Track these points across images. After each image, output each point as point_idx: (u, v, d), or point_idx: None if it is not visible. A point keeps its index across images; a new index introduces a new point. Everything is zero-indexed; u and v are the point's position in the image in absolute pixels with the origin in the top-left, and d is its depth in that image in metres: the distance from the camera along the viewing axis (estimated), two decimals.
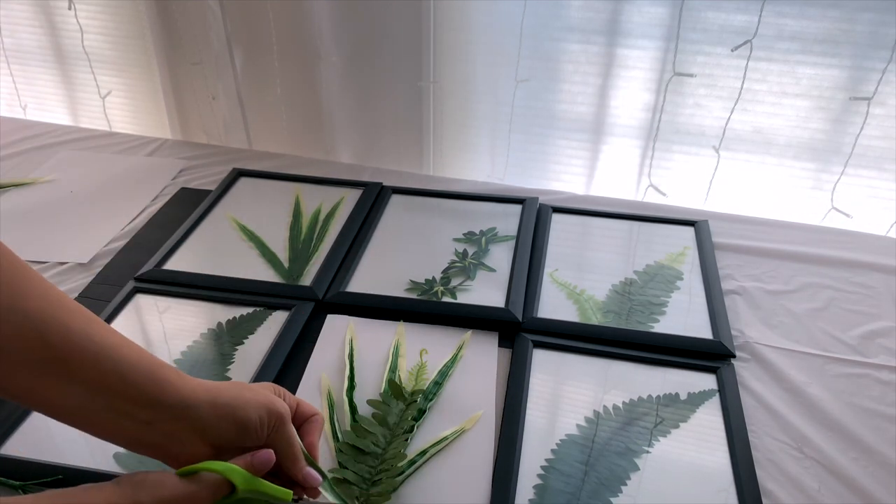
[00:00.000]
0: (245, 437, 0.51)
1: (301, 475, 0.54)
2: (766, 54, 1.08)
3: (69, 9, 1.37)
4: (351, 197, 1.06)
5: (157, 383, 0.49)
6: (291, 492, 0.52)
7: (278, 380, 0.76)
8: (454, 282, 0.89)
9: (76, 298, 0.87)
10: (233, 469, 0.49)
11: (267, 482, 0.51)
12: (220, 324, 0.83)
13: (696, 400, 0.74)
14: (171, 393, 0.49)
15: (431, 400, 0.73)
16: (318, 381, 0.76)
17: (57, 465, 0.64)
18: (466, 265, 0.92)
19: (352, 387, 0.75)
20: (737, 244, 0.98)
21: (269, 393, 0.54)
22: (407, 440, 0.68)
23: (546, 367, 0.78)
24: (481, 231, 0.99)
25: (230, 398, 0.51)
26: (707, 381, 0.76)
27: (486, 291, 0.88)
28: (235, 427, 0.51)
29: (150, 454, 0.50)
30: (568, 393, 0.76)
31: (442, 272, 0.91)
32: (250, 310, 0.84)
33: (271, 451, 0.52)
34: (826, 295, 0.89)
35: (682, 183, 1.25)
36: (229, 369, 0.76)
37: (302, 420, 0.57)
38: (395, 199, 1.07)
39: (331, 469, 0.66)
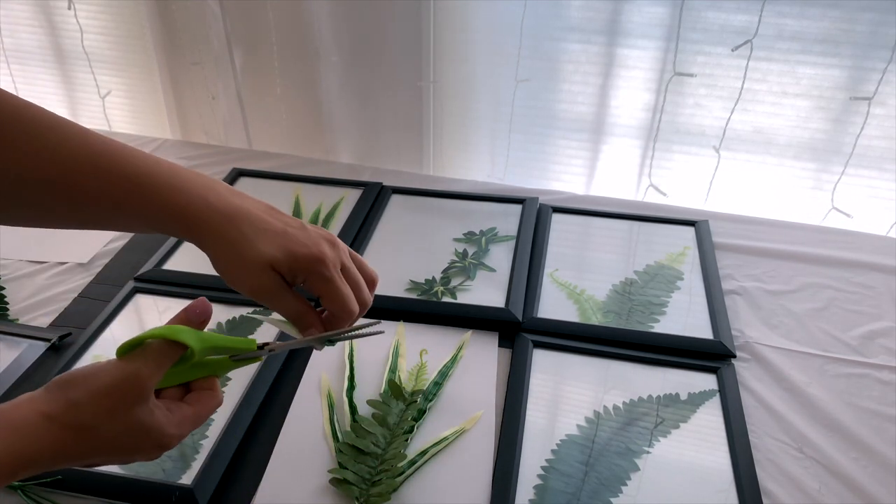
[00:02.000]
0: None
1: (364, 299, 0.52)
2: (767, 54, 1.08)
3: (69, 9, 1.37)
4: (351, 197, 1.06)
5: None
6: (255, 339, 0.50)
7: (278, 380, 0.76)
8: (454, 282, 0.89)
9: (76, 299, 0.87)
10: (179, 330, 0.44)
11: (222, 336, 0.48)
12: (220, 324, 0.83)
13: (697, 400, 0.74)
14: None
15: (431, 400, 0.73)
16: (318, 381, 0.75)
17: None
18: (466, 265, 0.92)
19: (352, 387, 0.75)
20: (737, 244, 0.98)
21: (254, 268, 0.50)
22: (407, 440, 0.68)
23: (546, 367, 0.78)
24: (481, 231, 0.99)
25: (222, 261, 0.50)
26: (707, 382, 0.76)
27: (486, 291, 0.88)
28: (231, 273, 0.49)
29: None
30: (568, 393, 0.76)
31: (442, 272, 0.91)
32: (250, 310, 0.84)
33: (205, 298, 0.50)
34: (826, 295, 0.89)
35: (683, 183, 1.25)
36: None
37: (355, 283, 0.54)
38: (395, 199, 1.07)
39: (331, 469, 0.66)
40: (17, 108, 0.46)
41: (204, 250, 0.50)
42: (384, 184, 1.09)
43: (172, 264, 0.92)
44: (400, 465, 0.66)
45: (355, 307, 0.52)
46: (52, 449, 0.41)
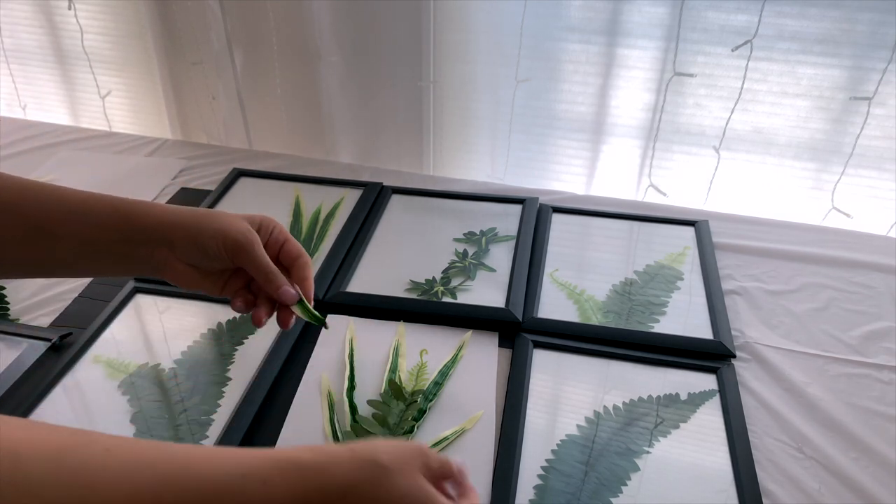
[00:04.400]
0: (212, 261, 0.56)
1: (277, 293, 0.57)
2: (767, 54, 1.08)
3: (69, 9, 1.37)
4: (351, 197, 1.06)
5: (127, 217, 0.54)
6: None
7: (278, 380, 0.76)
8: (454, 282, 0.89)
9: (76, 299, 0.87)
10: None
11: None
12: (220, 324, 0.83)
13: (697, 400, 0.74)
14: (138, 221, 0.54)
15: (431, 400, 0.73)
16: (318, 381, 0.76)
17: None
18: (466, 265, 0.92)
19: (352, 387, 0.75)
20: (737, 244, 0.98)
21: (235, 220, 0.57)
22: (407, 440, 0.68)
23: (546, 367, 0.78)
24: (481, 231, 0.99)
25: (191, 223, 0.55)
26: (707, 382, 0.76)
27: (487, 291, 0.88)
28: (198, 252, 0.55)
29: (146, 273, 0.56)
30: (568, 393, 0.76)
31: (442, 272, 0.91)
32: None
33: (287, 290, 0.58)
34: (826, 295, 0.89)
35: (683, 183, 1.25)
36: (229, 369, 0.76)
37: (290, 259, 0.59)
38: (395, 199, 1.07)
39: None
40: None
41: (185, 245, 0.56)
42: (384, 184, 1.09)
43: None
44: None
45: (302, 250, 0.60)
46: (349, 478, 0.42)
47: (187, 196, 1.08)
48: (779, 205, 1.21)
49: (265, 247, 0.58)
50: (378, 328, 0.83)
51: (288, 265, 0.60)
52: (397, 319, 0.84)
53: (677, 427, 0.71)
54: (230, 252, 0.56)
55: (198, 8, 1.25)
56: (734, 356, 0.79)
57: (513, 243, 0.96)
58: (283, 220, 1.01)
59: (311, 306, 0.60)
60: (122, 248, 0.54)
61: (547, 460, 0.67)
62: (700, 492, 0.65)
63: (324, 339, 0.81)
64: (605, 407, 0.73)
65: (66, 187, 0.54)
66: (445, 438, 0.69)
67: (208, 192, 1.08)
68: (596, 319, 0.84)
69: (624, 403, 0.73)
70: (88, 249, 0.54)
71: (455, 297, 0.87)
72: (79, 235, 0.53)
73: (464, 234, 0.98)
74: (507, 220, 1.01)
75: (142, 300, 0.86)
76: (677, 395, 0.74)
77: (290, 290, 0.58)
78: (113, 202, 0.54)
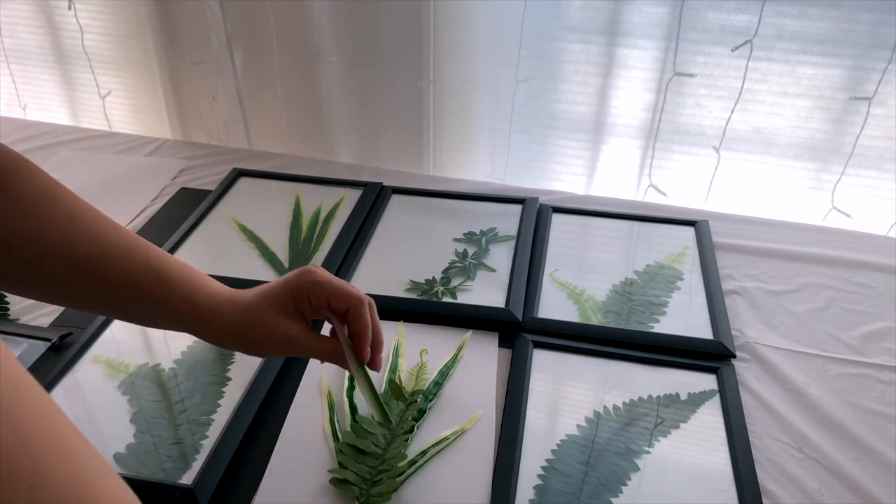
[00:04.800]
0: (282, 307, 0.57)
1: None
2: (767, 54, 1.08)
3: (69, 9, 1.37)
4: (351, 197, 1.06)
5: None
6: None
7: (278, 381, 0.76)
8: (454, 282, 0.89)
9: None
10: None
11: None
12: None
13: (697, 400, 0.74)
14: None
15: (431, 400, 0.73)
16: (318, 382, 0.75)
17: None
18: (466, 265, 0.92)
19: (352, 387, 0.75)
20: (737, 244, 0.98)
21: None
22: (407, 440, 0.68)
23: (546, 367, 0.78)
24: (481, 231, 0.99)
25: (236, 295, 0.57)
26: (707, 382, 0.76)
27: (487, 291, 0.88)
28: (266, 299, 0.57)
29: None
30: (568, 393, 0.76)
31: (442, 272, 0.91)
32: None
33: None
34: (826, 295, 0.89)
35: (683, 183, 1.25)
36: (229, 369, 0.76)
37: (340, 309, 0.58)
38: (395, 199, 1.07)
39: (331, 469, 0.66)
40: (50, 184, 0.51)
41: (224, 337, 0.56)
42: (384, 184, 1.09)
43: None
44: (400, 465, 0.66)
45: (358, 291, 0.58)
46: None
47: (187, 196, 1.08)
48: (779, 205, 1.21)
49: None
50: None
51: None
52: (397, 319, 0.84)
53: (677, 427, 0.71)
54: (298, 281, 0.56)
55: (198, 8, 1.25)
56: (734, 356, 0.79)
57: (513, 243, 0.96)
58: (283, 220, 1.01)
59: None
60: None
61: (547, 460, 0.67)
62: (700, 492, 0.65)
63: None
64: (605, 407, 0.73)
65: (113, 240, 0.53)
66: (445, 438, 0.69)
67: (208, 192, 1.08)
68: (596, 319, 0.84)
69: (624, 403, 0.73)
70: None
71: (455, 297, 0.87)
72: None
73: (464, 234, 0.98)
74: (507, 220, 1.01)
75: None
76: (677, 395, 0.74)
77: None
78: (159, 273, 0.54)
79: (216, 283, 0.57)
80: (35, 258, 0.50)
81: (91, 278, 0.52)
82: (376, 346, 0.60)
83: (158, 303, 0.54)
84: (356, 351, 0.58)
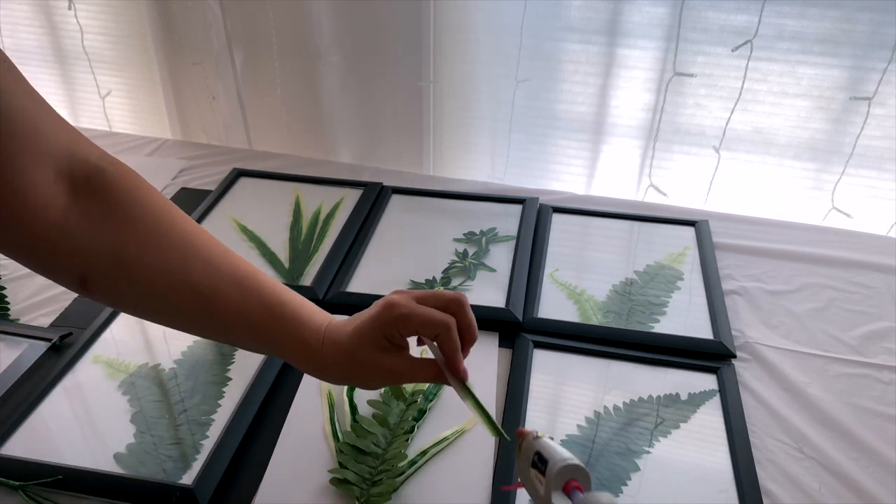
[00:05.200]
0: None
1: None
2: (767, 54, 1.08)
3: (69, 9, 1.37)
4: (351, 197, 1.06)
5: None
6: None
7: (278, 380, 0.76)
8: (454, 282, 0.89)
9: (77, 298, 0.87)
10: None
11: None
12: None
13: (697, 400, 0.74)
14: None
15: (431, 400, 0.73)
16: (318, 382, 0.75)
17: (56, 466, 0.64)
18: (467, 265, 0.92)
19: (352, 387, 0.75)
20: (737, 244, 0.98)
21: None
22: (407, 440, 0.68)
23: (546, 367, 0.78)
24: (481, 231, 0.99)
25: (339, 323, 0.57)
26: (707, 382, 0.76)
27: (487, 291, 0.88)
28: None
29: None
30: (568, 393, 0.76)
31: (442, 272, 0.91)
32: None
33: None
34: (826, 295, 0.89)
35: (683, 183, 1.25)
36: (229, 369, 0.76)
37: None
38: (395, 199, 1.07)
39: (331, 469, 0.66)
40: (164, 203, 0.54)
41: (331, 375, 0.57)
42: (384, 184, 1.09)
43: None
44: (400, 465, 0.66)
45: (444, 316, 0.55)
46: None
47: (187, 196, 1.08)
48: (779, 205, 1.21)
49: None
50: None
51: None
52: None
53: (677, 427, 0.71)
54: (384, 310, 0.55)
55: (198, 8, 1.25)
56: (734, 356, 0.79)
57: (513, 243, 0.96)
58: (283, 220, 1.01)
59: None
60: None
61: None
62: (700, 492, 0.65)
63: None
64: (605, 407, 0.73)
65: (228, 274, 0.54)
66: (445, 438, 0.69)
67: (208, 192, 1.08)
68: (596, 319, 0.84)
69: (624, 403, 0.73)
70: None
71: None
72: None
73: (464, 234, 0.98)
74: (507, 220, 1.01)
75: None
76: (677, 395, 0.74)
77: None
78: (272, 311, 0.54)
79: (318, 315, 0.57)
80: (159, 288, 0.51)
81: (205, 310, 0.52)
82: (468, 342, 0.58)
83: (272, 343, 0.55)
84: (450, 372, 0.57)
